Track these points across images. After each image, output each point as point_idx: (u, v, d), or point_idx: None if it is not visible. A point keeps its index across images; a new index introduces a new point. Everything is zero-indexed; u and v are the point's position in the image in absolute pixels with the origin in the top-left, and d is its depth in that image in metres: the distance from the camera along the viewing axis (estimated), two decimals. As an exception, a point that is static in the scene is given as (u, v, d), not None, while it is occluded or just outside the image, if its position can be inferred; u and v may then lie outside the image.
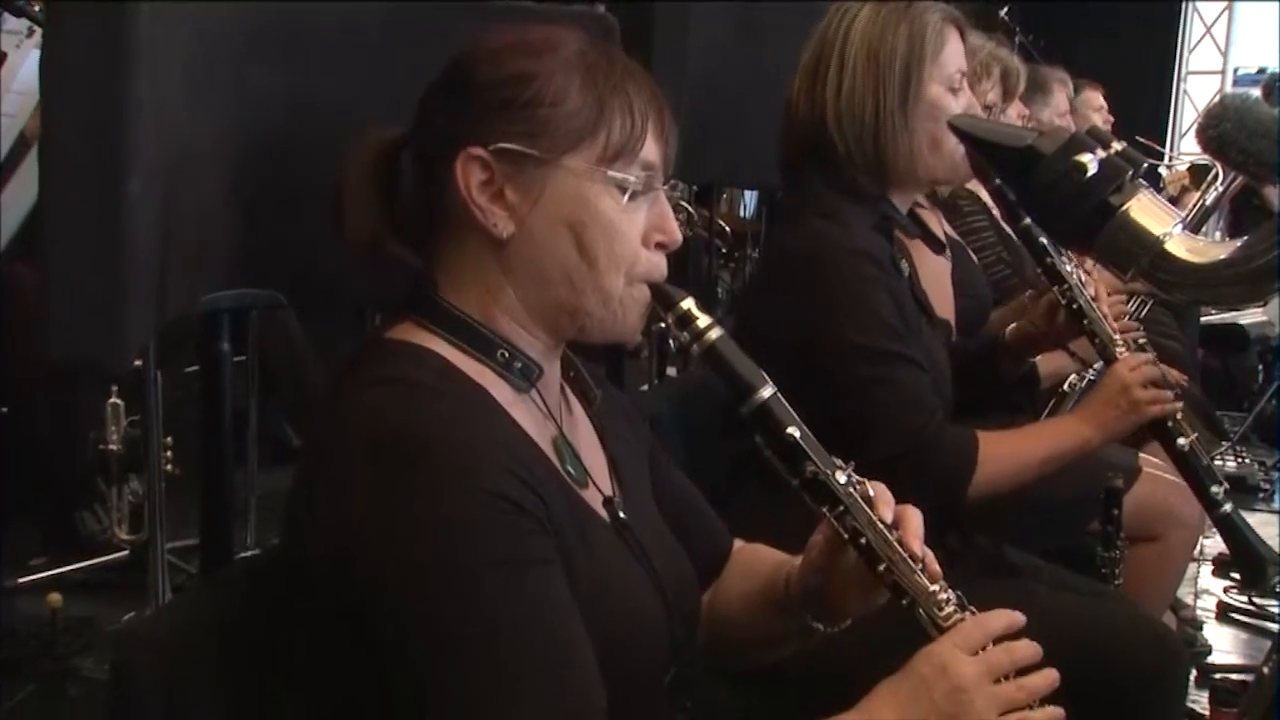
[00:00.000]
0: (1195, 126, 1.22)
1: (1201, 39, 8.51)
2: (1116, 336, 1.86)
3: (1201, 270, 0.92)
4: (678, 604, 1.14)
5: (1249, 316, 4.61)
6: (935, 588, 1.06)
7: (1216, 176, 2.46)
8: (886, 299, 1.65)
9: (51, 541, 3.11)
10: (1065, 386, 2.36)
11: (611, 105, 1.07)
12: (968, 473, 1.65)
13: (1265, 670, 1.24)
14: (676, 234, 1.13)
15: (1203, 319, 4.26)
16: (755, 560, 1.31)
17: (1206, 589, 3.28)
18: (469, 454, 0.96)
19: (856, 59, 1.71)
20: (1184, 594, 3.04)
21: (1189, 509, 2.09)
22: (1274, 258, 0.88)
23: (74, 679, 2.57)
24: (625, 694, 1.00)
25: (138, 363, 2.30)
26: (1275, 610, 3.11)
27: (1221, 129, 1.00)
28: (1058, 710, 1.04)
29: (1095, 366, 2.17)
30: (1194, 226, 2.41)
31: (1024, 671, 1.03)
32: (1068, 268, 1.91)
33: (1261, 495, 4.16)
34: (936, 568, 1.08)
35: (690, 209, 3.83)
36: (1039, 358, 2.17)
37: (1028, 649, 1.04)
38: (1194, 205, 2.47)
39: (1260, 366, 4.88)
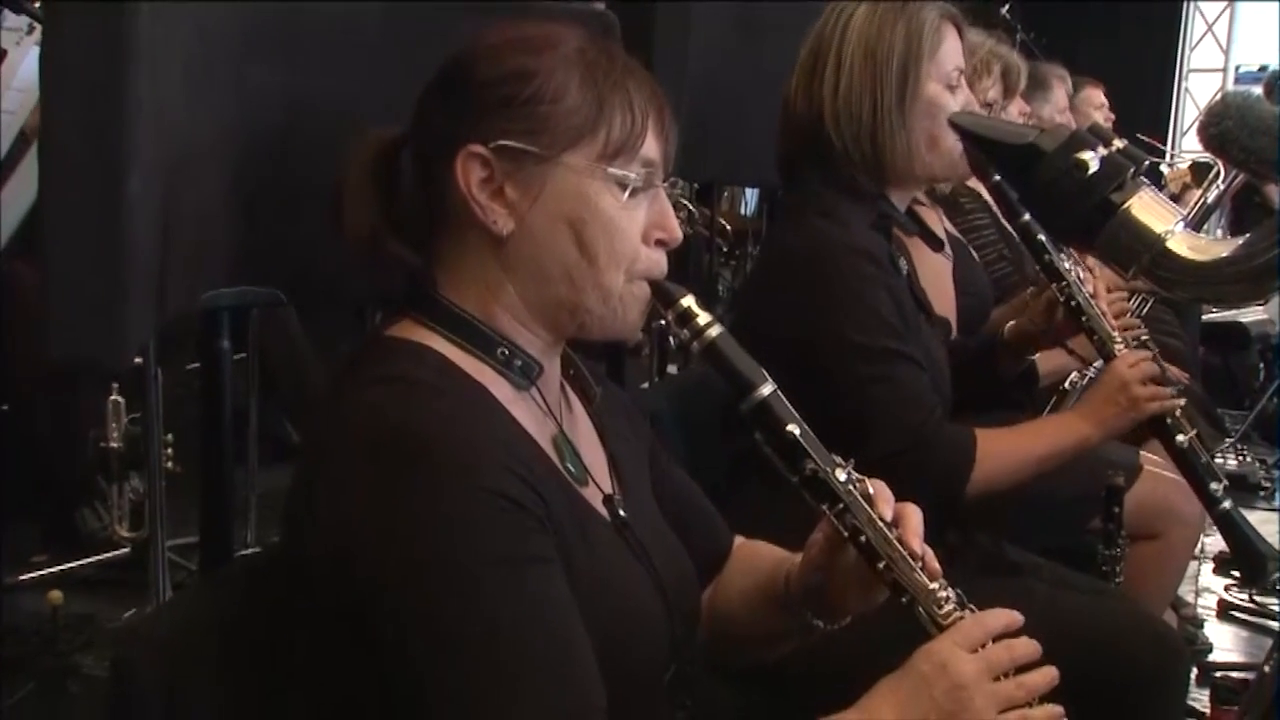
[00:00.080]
0: (1197, 124, 1.22)
1: (1203, 37, 8.50)
2: (1115, 334, 1.86)
3: (1203, 268, 0.92)
4: (678, 602, 1.14)
5: (1250, 314, 4.62)
6: (935, 586, 1.06)
7: (1218, 174, 2.46)
8: (885, 297, 1.65)
9: (52, 539, 3.11)
10: (1066, 384, 2.36)
11: (612, 102, 1.07)
12: (966, 470, 1.65)
13: (1266, 669, 1.24)
14: (676, 231, 1.12)
15: (1204, 317, 4.25)
16: (755, 557, 1.31)
17: (1207, 587, 3.28)
18: (469, 452, 0.96)
19: (854, 57, 1.71)
20: (1185, 592, 3.04)
21: (1190, 507, 2.08)
22: (1275, 256, 0.88)
23: (75, 676, 2.57)
24: (625, 692, 1.00)
25: (138, 360, 2.30)
26: (1276, 608, 3.11)
27: (1223, 127, 1.00)
28: (1057, 708, 1.04)
29: (1096, 365, 2.17)
30: (1195, 224, 2.40)
31: (1023, 669, 1.03)
32: (1066, 265, 1.90)
33: (1262, 493, 4.16)
34: (936, 566, 1.08)
35: (691, 207, 3.83)
36: (1038, 356, 2.17)
37: (1027, 647, 1.04)
38: (1195, 203, 2.47)
39: (1261, 365, 4.88)
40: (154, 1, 1.07)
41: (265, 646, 1.05)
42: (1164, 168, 4.55)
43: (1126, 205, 0.92)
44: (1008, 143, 1.00)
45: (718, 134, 2.29)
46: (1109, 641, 1.58)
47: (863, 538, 1.08)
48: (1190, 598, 3.14)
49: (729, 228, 4.78)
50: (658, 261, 1.12)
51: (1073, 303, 1.88)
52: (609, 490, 1.15)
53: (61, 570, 2.97)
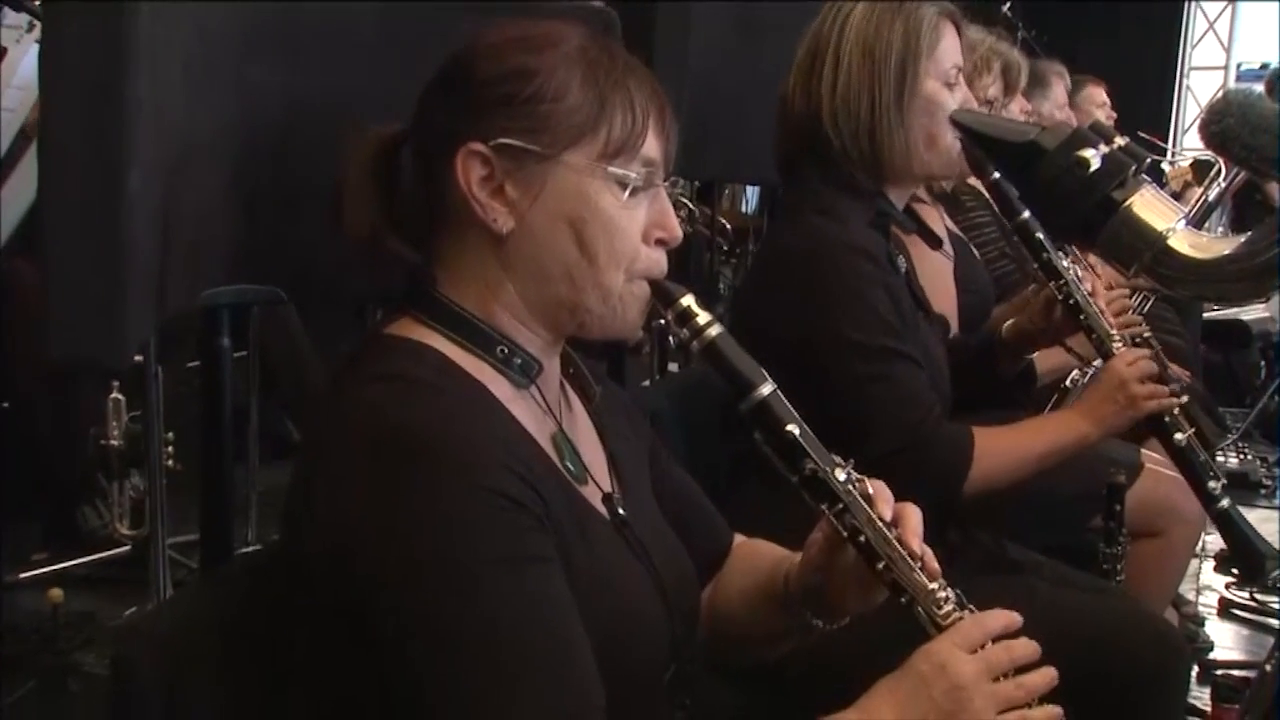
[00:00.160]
0: (1198, 122, 1.21)
1: (1204, 35, 8.50)
2: (1113, 332, 1.85)
3: (1204, 266, 0.92)
4: (677, 601, 1.14)
5: (1251, 312, 4.61)
6: (934, 586, 1.06)
7: (1219, 172, 2.46)
8: (883, 295, 1.65)
9: (53, 537, 3.11)
10: (1067, 383, 2.36)
11: (613, 101, 1.07)
12: (964, 468, 1.65)
13: (1267, 667, 1.24)
14: (677, 230, 1.12)
15: (1205, 315, 4.25)
16: (755, 556, 1.31)
17: (1208, 585, 3.27)
18: (468, 451, 0.96)
19: (851, 55, 1.71)
20: (1186, 590, 3.04)
21: (1191, 505, 2.08)
22: (1276, 254, 0.88)
23: (75, 674, 2.58)
24: (625, 692, 1.00)
25: (139, 358, 2.30)
26: (1278, 607, 3.11)
27: (1224, 124, 0.99)
28: (1056, 709, 1.04)
29: (1095, 363, 2.17)
30: (1197, 222, 2.41)
31: (1023, 670, 1.03)
32: (1065, 263, 1.90)
33: (1263, 491, 4.15)
34: (935, 566, 1.08)
35: (691, 205, 3.83)
36: (1037, 354, 2.17)
37: (1026, 647, 1.04)
38: (1197, 201, 2.47)
39: (1262, 362, 4.88)
40: (154, 1, 1.07)
41: (266, 644, 1.05)
42: (1165, 165, 4.55)
43: (1128, 203, 0.92)
44: (1009, 140, 1.00)
45: (718, 132, 2.30)
46: (1110, 640, 1.58)
47: (862, 538, 1.07)
48: (1191, 596, 3.14)
49: (730, 226, 4.78)
50: (658, 261, 1.11)
51: (1071, 301, 1.87)
52: (608, 489, 1.15)
53: (62, 568, 2.97)
